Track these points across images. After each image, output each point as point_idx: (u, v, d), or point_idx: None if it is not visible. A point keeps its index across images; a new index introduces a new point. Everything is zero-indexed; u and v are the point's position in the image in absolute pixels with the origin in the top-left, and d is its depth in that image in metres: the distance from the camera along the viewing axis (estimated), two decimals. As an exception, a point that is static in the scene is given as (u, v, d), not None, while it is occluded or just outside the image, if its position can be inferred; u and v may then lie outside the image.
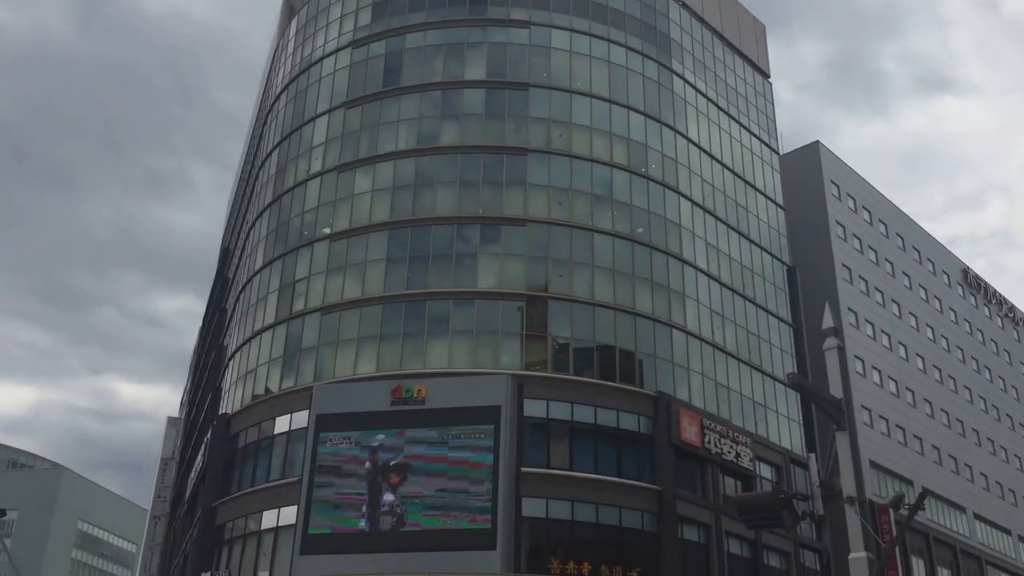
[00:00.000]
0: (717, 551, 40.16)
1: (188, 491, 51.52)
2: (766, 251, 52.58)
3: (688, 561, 39.14)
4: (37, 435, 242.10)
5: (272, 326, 43.68)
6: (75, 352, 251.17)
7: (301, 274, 43.83)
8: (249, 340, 44.97)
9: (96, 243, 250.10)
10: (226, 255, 65.30)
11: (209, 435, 45.65)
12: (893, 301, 61.21)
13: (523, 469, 36.69)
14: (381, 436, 37.25)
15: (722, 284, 47.80)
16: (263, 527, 38.75)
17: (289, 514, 37.47)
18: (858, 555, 14.83)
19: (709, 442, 41.51)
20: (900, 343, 59.98)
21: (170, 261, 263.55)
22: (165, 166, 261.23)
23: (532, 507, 36.58)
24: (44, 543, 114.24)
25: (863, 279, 58.75)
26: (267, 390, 42.34)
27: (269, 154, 50.69)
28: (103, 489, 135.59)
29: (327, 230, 44.01)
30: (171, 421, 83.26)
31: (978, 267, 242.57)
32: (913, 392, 59.21)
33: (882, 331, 58.52)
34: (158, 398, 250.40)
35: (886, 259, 62.50)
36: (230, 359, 47.63)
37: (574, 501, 37.29)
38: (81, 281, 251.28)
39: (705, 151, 50.55)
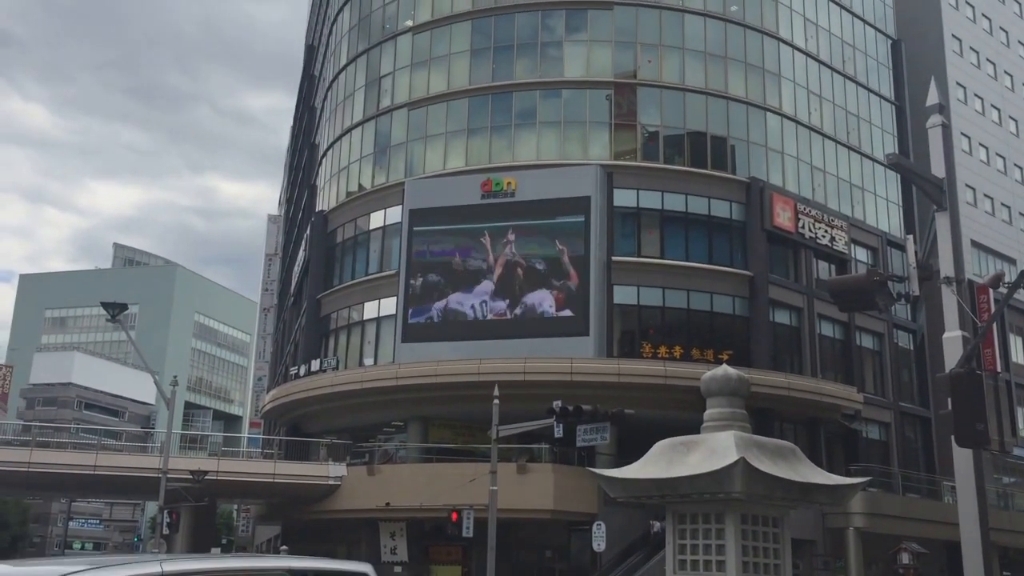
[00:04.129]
0: (809, 333, 40.59)
1: (293, 284, 53.91)
2: (869, 24, 49.63)
3: (779, 343, 39.74)
4: (147, 233, 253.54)
5: (361, 123, 44.02)
6: (175, 151, 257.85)
7: (386, 69, 43.58)
8: (340, 138, 45.51)
9: (182, 38, 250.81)
10: (311, 52, 64.95)
11: (308, 231, 47.21)
12: (1006, 73, 57.70)
13: (614, 258, 37.17)
14: (473, 228, 37.97)
15: (820, 62, 45.63)
16: (365, 317, 40.67)
17: (389, 305, 39.14)
18: (953, 334, 14.80)
19: (803, 227, 41.02)
20: (1011, 117, 57.02)
21: (257, 57, 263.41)
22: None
23: (624, 295, 37.34)
24: (165, 334, 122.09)
25: (974, 50, 55.25)
26: (360, 187, 43.23)
27: (346, -57, 49.14)
28: (214, 283, 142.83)
29: (409, 22, 43.21)
30: (271, 218, 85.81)
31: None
32: (1021, 169, 56.85)
33: (992, 106, 55.57)
34: (257, 195, 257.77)
35: (1000, 27, 58.40)
36: (323, 157, 48.43)
37: (665, 288, 37.82)
38: (173, 79, 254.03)
39: (805, -84, 46.94)
